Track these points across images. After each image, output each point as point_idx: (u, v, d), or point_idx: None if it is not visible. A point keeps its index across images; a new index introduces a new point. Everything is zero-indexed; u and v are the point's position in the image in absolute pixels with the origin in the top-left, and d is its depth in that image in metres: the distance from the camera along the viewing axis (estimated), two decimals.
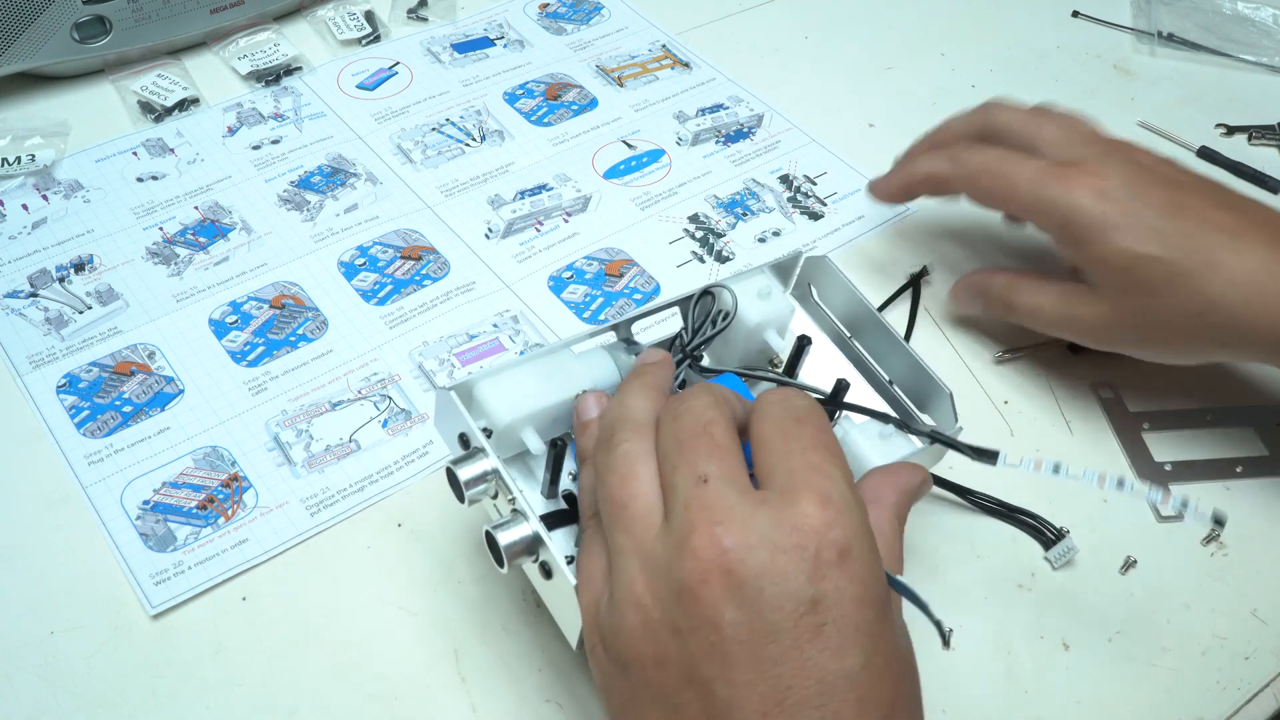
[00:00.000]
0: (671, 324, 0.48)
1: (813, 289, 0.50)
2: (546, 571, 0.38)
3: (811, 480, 0.33)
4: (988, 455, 0.41)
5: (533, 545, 0.37)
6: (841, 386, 0.44)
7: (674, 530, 0.32)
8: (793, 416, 0.35)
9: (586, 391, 0.41)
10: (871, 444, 0.43)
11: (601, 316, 0.58)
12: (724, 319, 0.45)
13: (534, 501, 0.42)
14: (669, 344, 0.46)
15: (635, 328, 0.46)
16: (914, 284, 0.60)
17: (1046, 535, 0.49)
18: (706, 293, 0.46)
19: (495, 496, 0.40)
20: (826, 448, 0.34)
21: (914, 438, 0.43)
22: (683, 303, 0.46)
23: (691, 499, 0.32)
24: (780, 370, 0.47)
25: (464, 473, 0.39)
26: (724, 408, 0.35)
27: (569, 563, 0.38)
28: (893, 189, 0.58)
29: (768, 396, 0.36)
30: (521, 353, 0.55)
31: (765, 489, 0.33)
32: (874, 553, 0.33)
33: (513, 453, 0.43)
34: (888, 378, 0.48)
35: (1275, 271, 0.46)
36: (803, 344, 0.46)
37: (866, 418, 0.44)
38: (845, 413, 0.45)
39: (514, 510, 0.38)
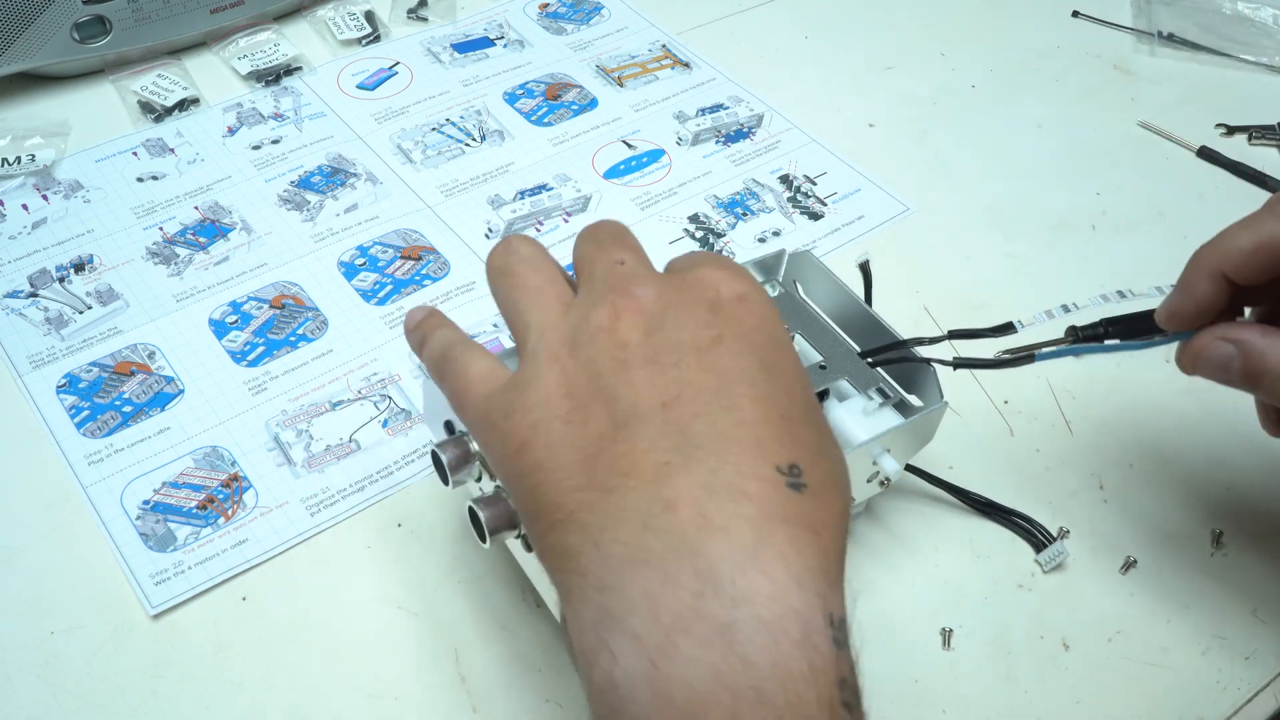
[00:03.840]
0: None
1: (798, 284, 0.50)
2: (529, 544, 0.38)
3: (710, 259, 0.35)
4: (1006, 329, 0.44)
5: (514, 519, 0.38)
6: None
7: (592, 293, 0.34)
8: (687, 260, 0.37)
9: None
10: (856, 420, 0.44)
11: None
12: None
13: None
14: None
15: None
16: (865, 271, 0.60)
17: (1038, 537, 0.49)
18: None
19: (480, 479, 0.41)
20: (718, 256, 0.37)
21: (896, 410, 0.44)
22: None
23: (609, 272, 0.35)
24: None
25: (448, 454, 0.40)
26: (628, 234, 0.38)
27: None
28: (1199, 291, 0.41)
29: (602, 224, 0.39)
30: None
31: (670, 272, 0.36)
32: (771, 307, 0.34)
33: None
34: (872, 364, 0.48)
35: None
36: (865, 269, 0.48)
37: (849, 400, 0.45)
38: (830, 396, 0.45)
39: (497, 487, 0.39)
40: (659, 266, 0.37)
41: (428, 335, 0.40)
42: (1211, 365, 0.40)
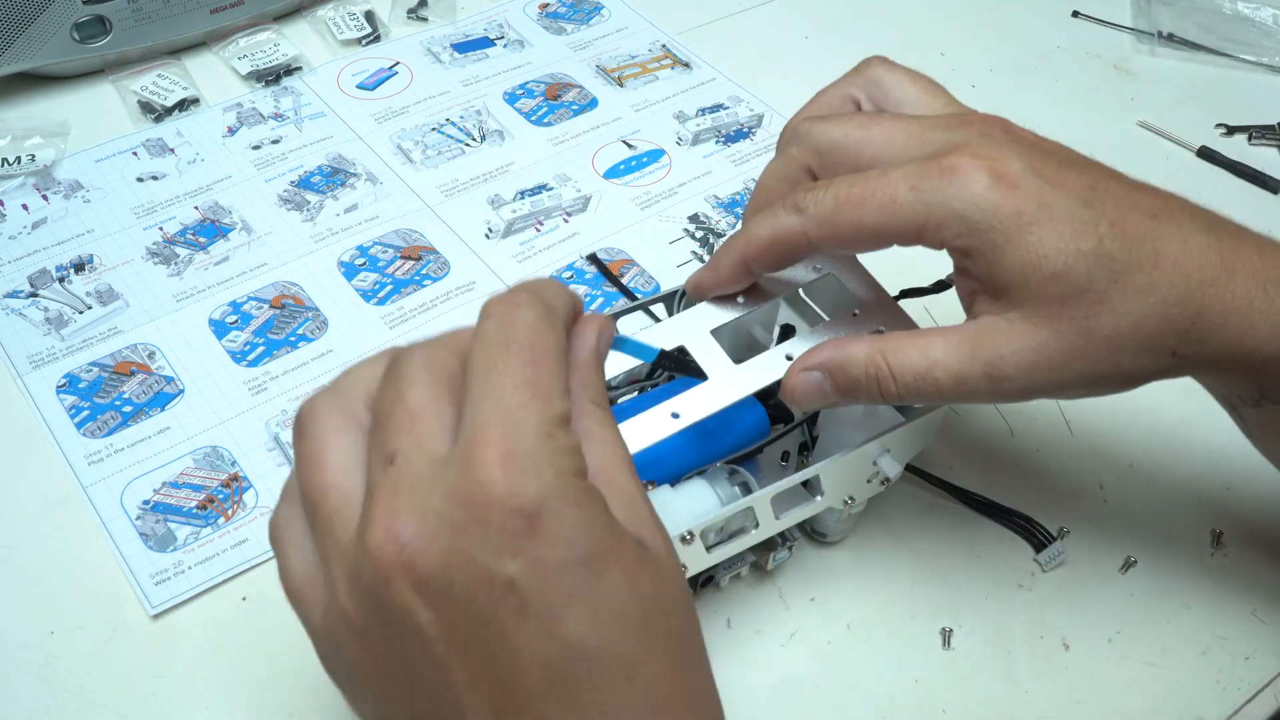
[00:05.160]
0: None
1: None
2: None
3: (495, 432, 0.27)
4: (942, 285, 0.45)
5: None
6: (786, 331, 0.45)
7: (362, 527, 0.28)
8: (503, 340, 0.29)
9: None
10: (856, 420, 0.44)
11: None
12: None
13: None
14: None
15: (620, 323, 0.47)
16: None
17: (1037, 537, 0.49)
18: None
19: None
20: (531, 384, 0.28)
21: (896, 410, 0.44)
22: (667, 298, 0.47)
23: (375, 485, 0.28)
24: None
25: None
26: (435, 363, 0.30)
27: None
28: (723, 273, 0.43)
29: (491, 307, 0.30)
30: None
31: (456, 443, 0.28)
32: (576, 503, 0.27)
33: None
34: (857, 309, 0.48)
35: (1223, 257, 0.38)
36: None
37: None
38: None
39: None
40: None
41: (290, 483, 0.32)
42: (810, 395, 0.40)
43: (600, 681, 0.27)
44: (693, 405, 0.40)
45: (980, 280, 0.38)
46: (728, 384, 0.41)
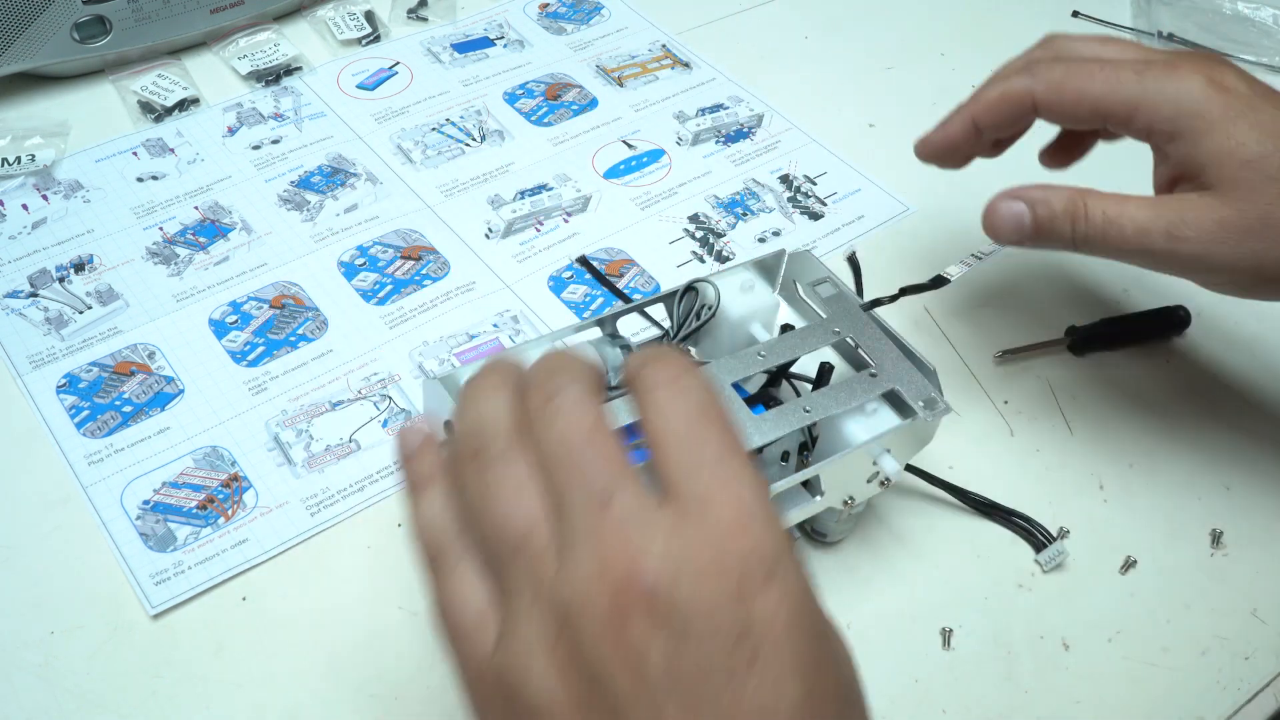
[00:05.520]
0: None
1: (797, 284, 0.50)
2: None
3: (729, 490, 0.28)
4: (940, 280, 0.47)
5: None
6: (825, 370, 0.45)
7: (582, 564, 0.28)
8: (698, 410, 0.30)
9: (405, 427, 0.35)
10: (856, 420, 0.44)
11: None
12: (708, 312, 0.46)
13: None
14: (656, 341, 0.47)
15: (621, 323, 0.47)
16: (853, 265, 0.61)
17: (1037, 537, 0.49)
18: (690, 288, 0.47)
19: None
20: (736, 448, 0.29)
21: (896, 410, 0.44)
22: (667, 298, 0.47)
23: (597, 528, 0.28)
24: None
25: None
26: (593, 394, 0.31)
27: None
28: (952, 133, 0.49)
29: (653, 375, 0.31)
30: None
31: (672, 498, 0.29)
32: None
33: None
34: (873, 364, 0.48)
35: None
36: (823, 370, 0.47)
37: (848, 398, 0.44)
38: (828, 394, 0.45)
39: None
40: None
41: (418, 498, 0.33)
42: (1008, 226, 0.46)
43: None
44: None
45: (1179, 162, 0.44)
46: (755, 432, 0.41)
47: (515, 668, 0.28)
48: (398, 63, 0.74)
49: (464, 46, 0.75)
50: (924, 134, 0.51)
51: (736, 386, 0.43)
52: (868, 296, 0.49)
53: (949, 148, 0.50)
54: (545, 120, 0.70)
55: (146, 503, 0.49)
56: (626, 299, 0.58)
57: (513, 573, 0.29)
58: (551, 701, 0.28)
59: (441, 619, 0.31)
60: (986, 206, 0.47)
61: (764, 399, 0.46)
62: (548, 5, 0.79)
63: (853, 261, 0.60)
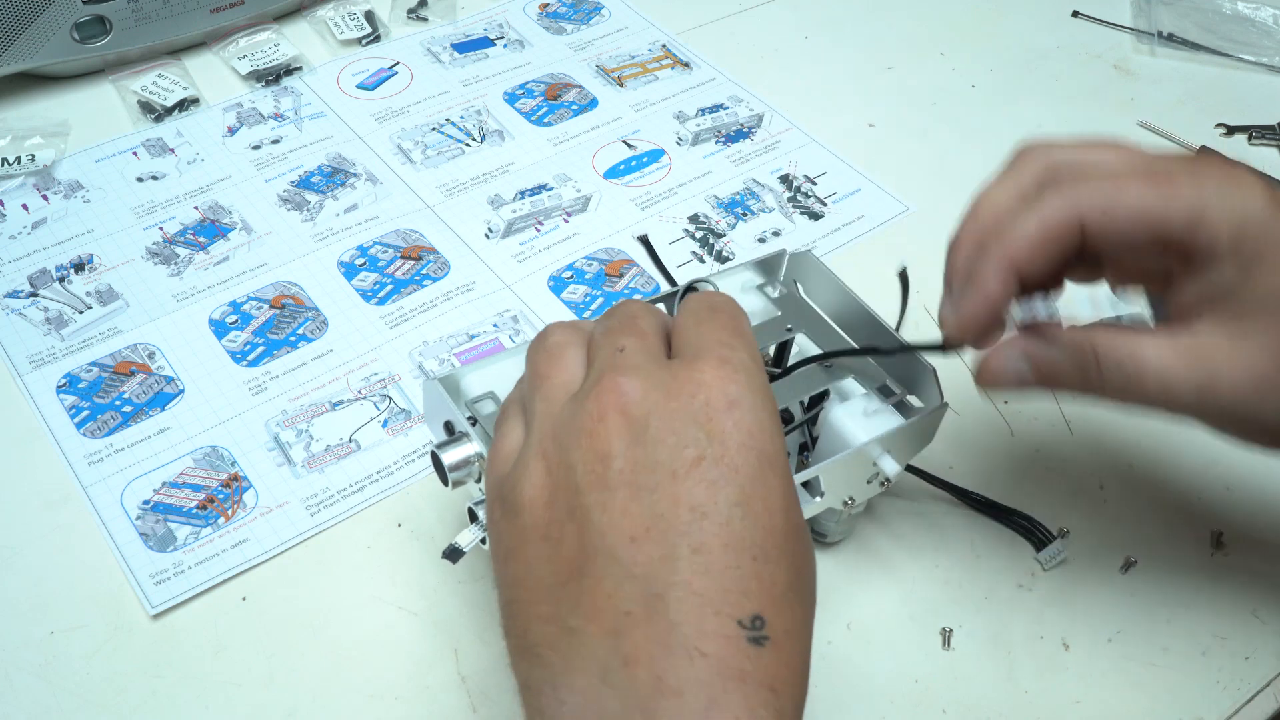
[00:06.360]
0: None
1: (798, 284, 0.50)
2: None
3: (714, 350, 0.34)
4: (947, 347, 0.40)
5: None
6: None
7: (585, 393, 0.34)
8: (708, 306, 0.37)
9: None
10: (856, 421, 0.44)
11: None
12: None
13: None
14: None
15: None
16: (903, 281, 0.60)
17: (1038, 536, 0.49)
18: (690, 288, 0.46)
19: (479, 480, 0.41)
20: (736, 331, 0.36)
21: (896, 410, 0.44)
22: (667, 298, 0.47)
23: (605, 362, 0.34)
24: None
25: (448, 457, 0.40)
26: (654, 313, 0.37)
27: None
28: (993, 294, 0.38)
29: (692, 297, 0.38)
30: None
31: (674, 359, 0.35)
32: (767, 412, 0.33)
33: None
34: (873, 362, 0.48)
35: None
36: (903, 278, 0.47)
37: (850, 401, 0.45)
38: (831, 396, 0.46)
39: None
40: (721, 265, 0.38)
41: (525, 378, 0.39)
42: (1008, 379, 0.40)
43: (729, 546, 0.31)
44: None
45: (1220, 290, 0.37)
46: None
47: (514, 475, 0.34)
48: (398, 63, 0.74)
49: (464, 46, 0.75)
50: (952, 315, 0.40)
51: None
52: (875, 304, 0.49)
53: (995, 314, 0.39)
54: (545, 120, 0.70)
55: (146, 503, 0.49)
56: (674, 282, 0.60)
57: (535, 403, 0.35)
58: (533, 500, 0.33)
59: (488, 458, 0.37)
60: (981, 365, 0.40)
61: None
62: (548, 5, 0.79)
63: (903, 278, 0.58)
